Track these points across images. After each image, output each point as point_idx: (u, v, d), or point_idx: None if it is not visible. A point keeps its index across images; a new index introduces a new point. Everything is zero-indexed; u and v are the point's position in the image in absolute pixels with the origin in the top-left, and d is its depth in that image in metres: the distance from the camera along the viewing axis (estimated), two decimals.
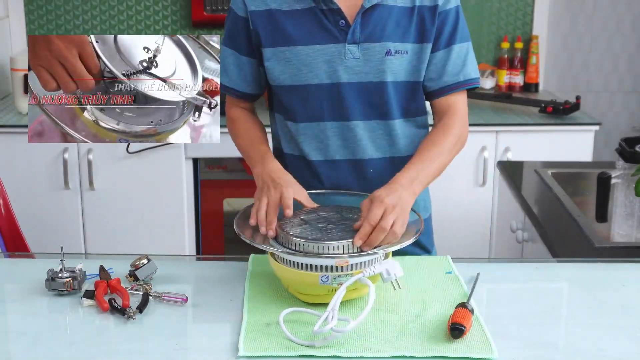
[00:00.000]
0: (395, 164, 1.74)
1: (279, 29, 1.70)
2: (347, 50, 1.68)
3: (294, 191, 1.58)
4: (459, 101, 1.77)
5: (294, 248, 1.43)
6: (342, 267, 1.39)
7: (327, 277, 1.39)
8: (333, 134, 1.74)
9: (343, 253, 1.40)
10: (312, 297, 1.44)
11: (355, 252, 1.42)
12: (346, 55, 1.68)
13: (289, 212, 1.53)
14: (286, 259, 1.43)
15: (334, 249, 1.41)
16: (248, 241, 1.46)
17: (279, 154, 1.83)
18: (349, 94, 1.71)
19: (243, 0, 1.73)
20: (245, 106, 1.86)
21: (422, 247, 1.83)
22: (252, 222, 1.52)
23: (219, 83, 1.78)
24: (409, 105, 1.76)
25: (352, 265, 1.40)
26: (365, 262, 1.41)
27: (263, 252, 1.53)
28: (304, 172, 1.78)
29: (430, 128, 1.79)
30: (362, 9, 1.67)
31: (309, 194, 1.65)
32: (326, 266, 1.39)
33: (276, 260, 1.46)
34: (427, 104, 1.81)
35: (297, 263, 1.41)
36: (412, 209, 1.63)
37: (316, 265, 1.40)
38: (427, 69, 1.73)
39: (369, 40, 1.68)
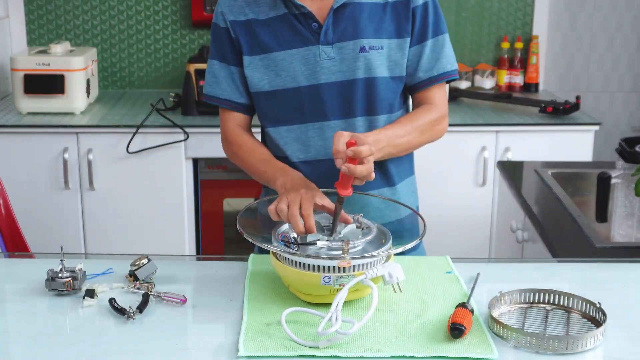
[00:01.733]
0: (378, 162, 1.74)
1: (257, 38, 1.73)
2: (322, 51, 1.70)
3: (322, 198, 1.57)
4: (437, 94, 1.78)
5: (296, 248, 1.43)
6: (344, 268, 1.39)
7: (329, 278, 1.39)
8: (314, 135, 1.75)
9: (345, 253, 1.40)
10: (313, 297, 1.44)
11: (358, 255, 1.41)
12: (321, 57, 1.70)
13: (311, 223, 1.50)
14: (288, 259, 1.43)
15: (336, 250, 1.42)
16: (250, 240, 1.46)
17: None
18: (327, 94, 1.72)
19: (222, 12, 1.76)
20: (241, 122, 1.83)
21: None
22: (276, 217, 1.51)
23: (210, 96, 1.81)
24: (394, 100, 1.76)
25: (354, 266, 1.40)
26: (367, 263, 1.41)
27: (263, 252, 1.54)
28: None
29: None
30: (331, 9, 1.69)
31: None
32: (328, 267, 1.39)
33: (278, 259, 1.46)
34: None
35: (299, 263, 1.41)
36: (415, 212, 1.63)
37: (318, 266, 1.40)
38: (407, 65, 1.75)
39: (342, 39, 1.70)
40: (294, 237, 1.46)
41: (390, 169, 1.80)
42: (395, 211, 1.78)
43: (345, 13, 1.70)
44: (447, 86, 1.81)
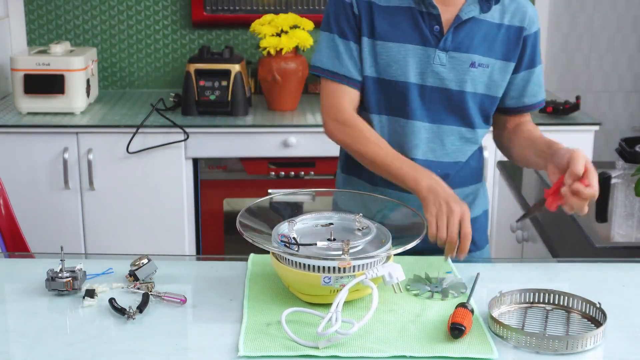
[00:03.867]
0: (447, 167, 1.80)
1: (374, 21, 1.74)
2: (437, 55, 1.73)
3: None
4: (527, 117, 1.89)
5: (296, 249, 1.43)
6: (344, 268, 1.39)
7: (330, 279, 1.39)
8: (411, 132, 1.77)
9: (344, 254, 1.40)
10: (313, 297, 1.44)
11: (357, 255, 1.42)
12: (434, 60, 1.73)
13: (466, 244, 1.58)
14: (288, 259, 1.43)
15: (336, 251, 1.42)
16: (250, 240, 1.46)
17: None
18: (431, 96, 1.75)
19: None
20: (355, 102, 1.80)
21: (473, 242, 1.84)
22: (437, 240, 1.57)
23: (326, 70, 1.78)
24: (485, 116, 1.82)
25: (354, 266, 1.40)
26: (367, 264, 1.41)
27: (263, 252, 1.53)
28: None
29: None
30: (458, 19, 1.72)
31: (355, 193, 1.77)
32: (329, 267, 1.39)
33: (278, 260, 1.46)
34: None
35: (299, 263, 1.41)
36: (415, 211, 1.63)
37: (318, 266, 1.39)
38: (509, 88, 1.80)
39: (457, 49, 1.73)
40: (293, 238, 1.46)
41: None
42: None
43: (466, 26, 1.73)
44: None
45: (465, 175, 1.86)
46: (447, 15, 1.74)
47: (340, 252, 1.41)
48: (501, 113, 1.87)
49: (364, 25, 1.75)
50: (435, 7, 1.72)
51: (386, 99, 1.78)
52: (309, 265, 1.40)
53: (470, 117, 1.79)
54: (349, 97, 1.78)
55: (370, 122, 1.79)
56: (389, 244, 1.47)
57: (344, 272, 1.39)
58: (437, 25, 1.73)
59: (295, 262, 1.42)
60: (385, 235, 1.51)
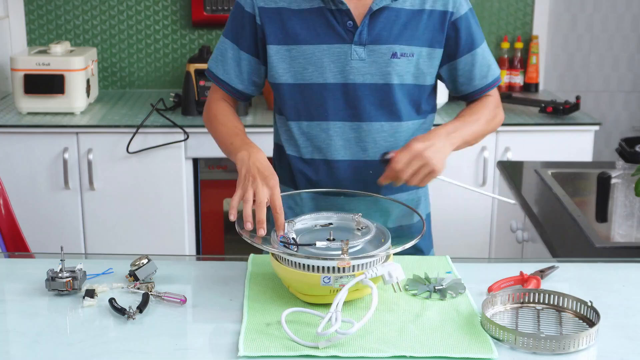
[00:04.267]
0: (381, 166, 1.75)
1: (287, 27, 1.71)
2: (354, 51, 1.69)
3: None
4: (491, 95, 1.85)
5: (295, 249, 1.43)
6: (343, 268, 1.39)
7: (329, 278, 1.39)
8: (335, 134, 1.74)
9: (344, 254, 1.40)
10: (313, 297, 1.44)
11: (357, 255, 1.41)
12: (352, 56, 1.69)
13: (281, 217, 1.50)
14: (287, 260, 1.43)
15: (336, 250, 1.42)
16: (249, 241, 1.46)
17: (280, 152, 1.83)
18: (355, 94, 1.71)
19: None
20: (227, 99, 1.83)
21: (418, 249, 1.83)
22: (232, 217, 1.50)
23: (211, 72, 1.80)
24: (416, 108, 1.77)
25: (354, 266, 1.39)
26: (367, 263, 1.41)
27: (263, 252, 1.53)
28: (303, 172, 1.78)
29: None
30: (369, 10, 1.68)
31: (309, 192, 1.71)
32: (328, 267, 1.39)
33: (277, 260, 1.46)
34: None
35: (299, 264, 1.41)
36: (415, 211, 1.63)
37: (318, 266, 1.39)
38: (456, 75, 1.78)
39: (375, 42, 1.69)
40: (293, 238, 1.46)
41: None
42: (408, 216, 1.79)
43: (381, 16, 1.69)
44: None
45: None
46: (360, 9, 1.69)
47: (340, 252, 1.41)
48: (461, 100, 1.86)
49: (271, 33, 1.72)
50: (342, 2, 1.68)
51: (304, 104, 1.74)
52: (308, 265, 1.40)
53: (398, 110, 1.74)
54: (222, 95, 1.82)
55: (290, 131, 1.77)
56: (388, 243, 1.47)
57: (344, 272, 1.39)
58: (350, 21, 1.69)
59: (295, 262, 1.41)
60: (385, 234, 1.51)
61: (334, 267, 1.39)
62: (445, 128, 1.68)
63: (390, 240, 1.48)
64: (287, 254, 1.42)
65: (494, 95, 1.85)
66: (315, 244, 1.44)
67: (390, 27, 1.69)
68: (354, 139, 1.74)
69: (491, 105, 1.82)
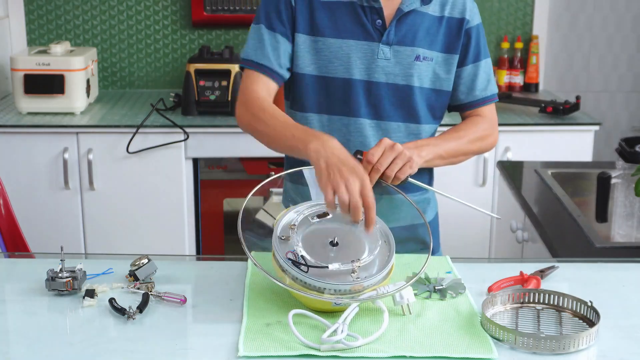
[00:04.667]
0: None
1: (315, 17, 1.72)
2: (381, 50, 1.71)
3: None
4: (488, 111, 1.83)
5: (305, 269, 1.39)
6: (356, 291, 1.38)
7: (341, 302, 1.38)
8: (355, 130, 1.75)
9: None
10: (320, 307, 1.42)
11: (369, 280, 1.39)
12: (379, 55, 1.71)
13: (372, 213, 1.43)
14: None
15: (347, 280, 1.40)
16: (265, 274, 1.39)
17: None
18: (377, 93, 1.73)
19: None
20: (270, 91, 1.74)
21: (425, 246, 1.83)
22: (335, 209, 1.45)
23: (249, 61, 1.73)
24: (433, 113, 1.79)
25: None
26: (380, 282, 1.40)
27: (263, 251, 1.53)
28: None
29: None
30: (399, 12, 1.71)
31: None
32: (341, 290, 1.38)
33: (283, 271, 1.43)
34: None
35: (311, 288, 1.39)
36: (420, 213, 1.62)
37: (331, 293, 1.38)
38: (458, 83, 1.78)
39: (401, 43, 1.71)
40: (302, 256, 1.41)
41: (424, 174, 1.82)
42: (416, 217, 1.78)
43: (408, 18, 1.72)
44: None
45: (415, 178, 1.83)
46: (389, 9, 1.71)
47: (350, 270, 1.39)
48: (457, 111, 1.84)
49: (301, 21, 1.72)
50: (376, 0, 1.70)
51: (327, 98, 1.75)
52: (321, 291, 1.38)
53: (417, 113, 1.75)
54: (265, 86, 1.72)
55: (310, 124, 1.75)
56: (393, 258, 1.45)
57: (356, 293, 1.38)
58: (380, 19, 1.70)
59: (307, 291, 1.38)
60: (389, 238, 1.49)
61: (346, 291, 1.37)
62: (415, 142, 1.67)
63: (394, 247, 1.47)
64: (298, 282, 1.39)
65: (490, 116, 1.83)
66: (327, 267, 1.40)
67: (416, 30, 1.72)
68: (372, 137, 1.75)
69: (482, 125, 1.80)
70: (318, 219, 1.50)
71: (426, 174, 1.84)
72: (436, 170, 1.90)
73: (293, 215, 1.51)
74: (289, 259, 1.41)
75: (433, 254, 1.85)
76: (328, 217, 1.51)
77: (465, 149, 1.76)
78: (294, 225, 1.48)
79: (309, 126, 1.74)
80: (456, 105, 1.82)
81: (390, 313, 1.41)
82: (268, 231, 1.52)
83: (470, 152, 1.78)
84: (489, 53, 1.83)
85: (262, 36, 1.74)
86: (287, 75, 1.76)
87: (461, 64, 1.77)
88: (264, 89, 1.72)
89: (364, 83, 1.72)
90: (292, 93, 1.79)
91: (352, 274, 1.39)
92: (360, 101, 1.73)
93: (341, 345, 1.29)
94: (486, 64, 1.81)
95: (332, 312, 1.40)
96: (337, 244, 1.45)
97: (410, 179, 1.61)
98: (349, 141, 1.75)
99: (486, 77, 1.81)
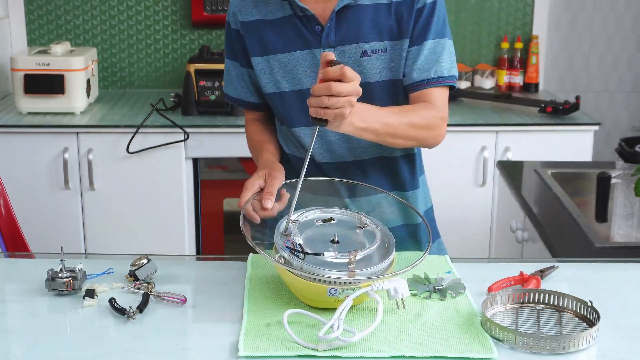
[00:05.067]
0: (382, 164, 1.74)
1: (263, 38, 1.72)
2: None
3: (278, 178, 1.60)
4: (436, 97, 1.68)
5: (302, 257, 1.40)
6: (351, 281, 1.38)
7: (336, 290, 1.38)
8: (319, 137, 1.73)
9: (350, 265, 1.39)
10: (317, 302, 1.43)
11: (364, 270, 1.39)
12: None
13: (269, 199, 1.55)
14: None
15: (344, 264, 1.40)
16: (256, 250, 1.42)
17: (284, 156, 1.83)
18: None
19: (233, 12, 1.75)
20: (255, 116, 1.88)
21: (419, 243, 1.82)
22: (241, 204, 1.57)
23: (227, 95, 1.86)
24: (396, 103, 1.72)
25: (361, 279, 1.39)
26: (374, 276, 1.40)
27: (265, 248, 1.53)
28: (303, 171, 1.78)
29: None
30: (333, 12, 1.67)
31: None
32: (336, 281, 1.38)
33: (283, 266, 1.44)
34: None
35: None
36: (416, 212, 1.62)
37: (325, 280, 1.38)
38: (405, 64, 1.69)
39: (343, 42, 1.68)
40: (299, 244, 1.43)
41: (403, 173, 1.79)
42: (409, 215, 1.77)
43: (347, 15, 1.67)
44: (447, 91, 1.72)
45: (406, 172, 1.81)
46: (326, 12, 1.68)
47: (347, 261, 1.39)
48: (405, 95, 1.75)
49: (252, 46, 1.73)
50: (305, 8, 1.67)
51: (286, 111, 1.75)
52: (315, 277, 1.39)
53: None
54: (249, 114, 1.88)
55: (293, 137, 1.77)
56: (393, 253, 1.45)
57: (350, 284, 1.38)
58: (318, 25, 1.68)
59: (301, 272, 1.39)
60: (389, 239, 1.50)
61: (342, 281, 1.38)
62: (367, 106, 1.57)
63: (394, 247, 1.47)
64: (294, 268, 1.40)
65: (439, 103, 1.68)
66: (323, 254, 1.41)
67: (357, 26, 1.67)
68: (338, 141, 1.74)
69: (430, 112, 1.66)
70: (322, 223, 1.53)
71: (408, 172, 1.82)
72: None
73: (297, 216, 1.53)
74: (287, 247, 1.42)
75: (433, 241, 1.85)
76: (333, 222, 1.53)
77: (405, 131, 1.62)
78: (296, 221, 1.51)
79: (293, 140, 1.78)
80: (403, 87, 1.71)
81: (389, 313, 1.42)
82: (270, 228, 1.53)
83: (408, 137, 1.64)
84: (449, 34, 1.71)
85: (229, 70, 1.82)
86: (262, 101, 1.83)
87: (410, 44, 1.68)
88: (250, 117, 1.88)
89: None
90: (273, 111, 1.83)
91: (350, 266, 1.39)
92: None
93: (338, 342, 1.29)
94: (436, 44, 1.68)
95: (328, 309, 1.39)
96: (337, 242, 1.47)
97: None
98: (314, 150, 1.73)
99: (433, 58, 1.67)
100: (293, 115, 1.74)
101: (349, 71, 1.42)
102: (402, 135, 1.63)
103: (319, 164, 1.76)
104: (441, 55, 1.69)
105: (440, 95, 1.69)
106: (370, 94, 1.66)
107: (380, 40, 1.67)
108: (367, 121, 1.54)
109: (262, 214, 1.55)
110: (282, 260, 1.42)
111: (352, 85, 1.43)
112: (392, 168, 1.78)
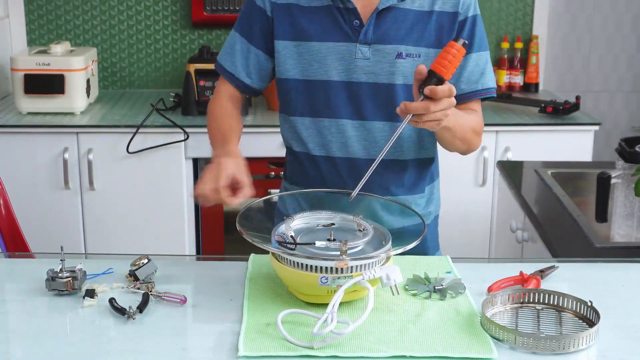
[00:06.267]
0: (393, 165, 1.75)
1: (296, 23, 1.73)
2: (358, 49, 1.70)
3: (235, 170, 1.65)
4: (478, 107, 1.79)
5: (294, 247, 1.43)
6: (341, 269, 1.38)
7: (327, 279, 1.39)
8: (337, 131, 1.75)
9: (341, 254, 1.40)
10: (311, 297, 1.44)
11: (355, 256, 1.41)
12: (357, 55, 1.70)
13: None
14: (286, 258, 1.43)
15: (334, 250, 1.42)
16: (250, 240, 1.46)
17: (290, 152, 1.84)
18: (358, 93, 1.72)
19: None
20: (233, 93, 1.85)
21: (423, 251, 1.82)
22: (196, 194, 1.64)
23: (219, 65, 1.83)
24: None
25: (352, 267, 1.39)
26: (365, 265, 1.41)
27: (263, 252, 1.53)
28: (310, 168, 1.79)
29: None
30: (376, 10, 1.69)
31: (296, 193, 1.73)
32: (326, 267, 1.39)
33: (276, 259, 1.46)
34: None
35: (297, 263, 1.41)
36: (414, 211, 1.63)
37: (315, 266, 1.39)
38: None
39: (380, 41, 1.70)
40: (291, 236, 1.46)
41: (410, 177, 1.81)
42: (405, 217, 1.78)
43: (388, 16, 1.70)
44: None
45: (412, 177, 1.83)
46: (367, 9, 1.70)
47: (339, 253, 1.40)
48: None
49: (281, 29, 1.74)
50: (349, 1, 1.70)
51: (309, 100, 1.76)
52: (306, 265, 1.40)
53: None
54: (228, 92, 1.85)
55: (294, 127, 1.79)
56: (388, 245, 1.47)
57: (341, 272, 1.39)
58: (357, 20, 1.70)
59: (293, 261, 1.41)
60: (385, 236, 1.51)
61: (331, 268, 1.38)
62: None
63: (390, 242, 1.48)
64: (285, 253, 1.42)
65: (481, 117, 1.79)
66: (314, 244, 1.44)
67: (397, 27, 1.70)
68: (355, 137, 1.74)
69: (480, 121, 1.77)
70: (323, 227, 1.54)
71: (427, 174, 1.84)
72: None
73: (297, 221, 1.55)
74: (277, 241, 1.44)
75: (432, 253, 1.86)
76: (333, 226, 1.55)
77: (468, 136, 1.72)
78: (292, 217, 1.53)
79: (294, 129, 1.79)
80: None
81: (389, 313, 1.42)
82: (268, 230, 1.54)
83: (467, 140, 1.73)
84: (488, 46, 1.78)
85: (235, 44, 1.81)
86: (254, 85, 1.82)
87: None
88: (226, 94, 1.85)
89: (343, 84, 1.72)
90: (280, 98, 1.83)
91: (342, 255, 1.39)
92: (340, 102, 1.73)
93: (333, 336, 1.29)
94: (480, 57, 1.75)
95: (326, 305, 1.39)
96: (334, 240, 1.47)
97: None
98: (330, 142, 1.75)
99: (479, 71, 1.75)
100: (314, 104, 1.75)
101: (453, 91, 1.48)
102: (464, 137, 1.71)
103: (333, 158, 1.77)
104: (485, 68, 1.77)
105: (480, 105, 1.80)
106: (395, 95, 1.71)
107: (416, 46, 1.70)
108: (449, 120, 1.58)
109: (228, 200, 1.61)
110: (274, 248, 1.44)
111: (450, 101, 1.49)
112: (401, 171, 1.80)
